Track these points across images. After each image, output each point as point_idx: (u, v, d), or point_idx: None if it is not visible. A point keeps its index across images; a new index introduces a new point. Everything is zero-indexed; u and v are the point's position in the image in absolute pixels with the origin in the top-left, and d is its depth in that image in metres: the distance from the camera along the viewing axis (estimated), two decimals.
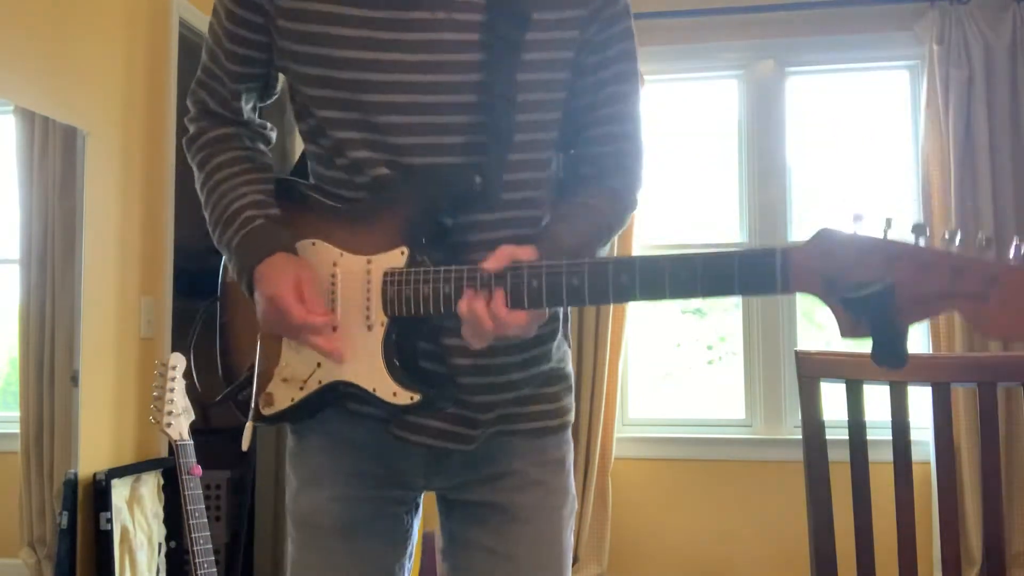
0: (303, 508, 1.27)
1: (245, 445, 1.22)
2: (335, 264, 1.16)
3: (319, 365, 1.17)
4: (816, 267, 0.94)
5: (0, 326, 2.47)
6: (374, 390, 1.13)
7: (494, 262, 1.06)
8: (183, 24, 3.08)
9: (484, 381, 1.18)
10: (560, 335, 1.27)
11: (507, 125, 1.13)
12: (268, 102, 1.34)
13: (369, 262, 1.14)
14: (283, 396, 1.20)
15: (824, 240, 0.94)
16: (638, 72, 1.26)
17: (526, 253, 1.07)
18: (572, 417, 1.30)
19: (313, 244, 1.19)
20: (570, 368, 1.31)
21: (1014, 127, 3.44)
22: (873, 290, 0.91)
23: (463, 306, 1.06)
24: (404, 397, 1.11)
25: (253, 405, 1.22)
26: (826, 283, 0.94)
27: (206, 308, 1.38)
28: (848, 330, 0.95)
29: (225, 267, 1.34)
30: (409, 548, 1.31)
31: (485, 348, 1.14)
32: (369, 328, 1.13)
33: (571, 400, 1.30)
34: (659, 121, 3.80)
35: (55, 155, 2.55)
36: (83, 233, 2.57)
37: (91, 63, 2.63)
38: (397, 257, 1.12)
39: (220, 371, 1.31)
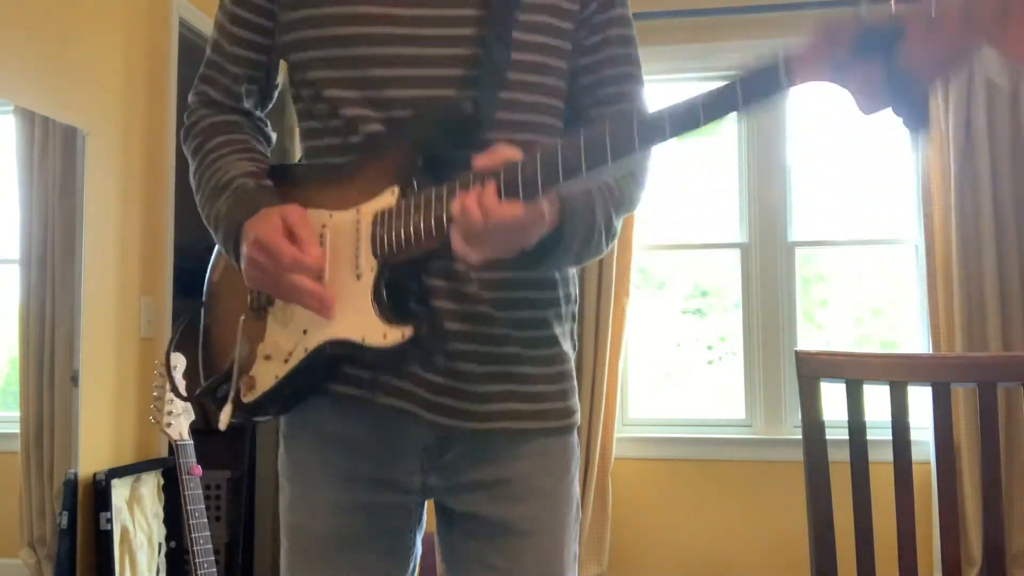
0: (298, 516, 1.22)
1: (223, 425, 1.16)
2: (324, 225, 1.12)
3: (305, 332, 1.11)
4: (821, 52, 0.89)
5: (0, 326, 2.47)
6: (363, 339, 1.06)
7: (486, 159, 1.00)
8: (183, 24, 3.08)
9: (474, 349, 1.14)
10: (568, 326, 1.25)
11: (500, 75, 1.12)
12: (268, 106, 1.32)
13: (358, 211, 1.10)
14: (266, 375, 1.14)
15: (824, 27, 0.90)
16: (637, 59, 1.25)
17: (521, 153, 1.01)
18: (578, 419, 1.25)
19: None
20: (573, 367, 1.27)
21: (1014, 127, 3.44)
22: (884, 38, 0.86)
23: (454, 205, 0.99)
24: (395, 335, 1.04)
25: (232, 392, 1.16)
26: (834, 64, 0.89)
27: (190, 311, 1.33)
28: (867, 104, 0.89)
29: (213, 267, 1.31)
30: (412, 564, 1.26)
31: (480, 313, 1.11)
32: (358, 277, 1.08)
33: (576, 402, 1.25)
34: None
35: (55, 155, 2.55)
36: (83, 233, 2.57)
37: (91, 63, 2.63)
38: (388, 198, 1.08)
39: (201, 371, 1.26)
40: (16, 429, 2.44)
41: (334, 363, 1.13)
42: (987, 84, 3.43)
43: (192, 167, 1.25)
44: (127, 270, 2.79)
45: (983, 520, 1.59)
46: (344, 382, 1.15)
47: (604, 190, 1.14)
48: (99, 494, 2.54)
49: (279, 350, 1.13)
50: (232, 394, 1.16)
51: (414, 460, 1.19)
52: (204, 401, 1.23)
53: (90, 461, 2.57)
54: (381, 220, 1.08)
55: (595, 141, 0.96)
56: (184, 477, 2.33)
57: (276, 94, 1.33)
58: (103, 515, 2.53)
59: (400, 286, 1.09)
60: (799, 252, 3.76)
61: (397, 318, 1.06)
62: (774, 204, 3.74)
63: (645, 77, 1.26)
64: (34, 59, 2.41)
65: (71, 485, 2.50)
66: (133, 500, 2.69)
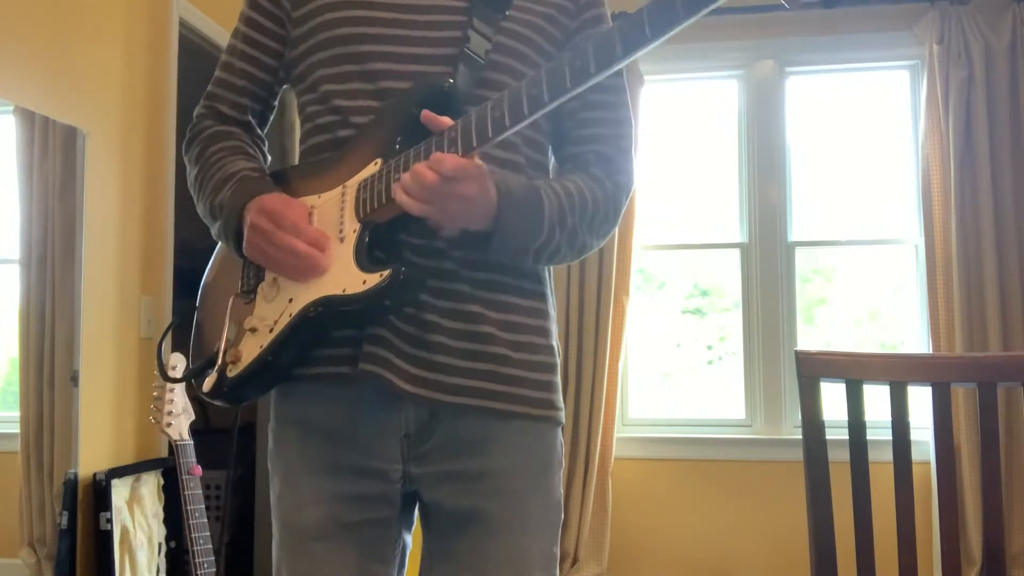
0: (285, 509, 1.24)
1: (207, 387, 1.21)
2: (312, 207, 1.20)
3: (291, 301, 1.17)
4: None
5: (0, 326, 2.47)
6: (344, 290, 1.12)
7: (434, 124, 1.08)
8: (183, 24, 3.08)
9: (447, 323, 1.17)
10: (553, 326, 1.26)
11: (479, 55, 1.19)
12: (264, 129, 1.40)
13: (344, 186, 1.18)
14: (251, 347, 1.18)
15: None
16: (622, 76, 1.28)
17: None
18: (562, 417, 1.26)
19: None
20: (558, 366, 1.28)
21: (1014, 127, 3.44)
22: None
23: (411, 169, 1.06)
24: (374, 279, 1.10)
25: (219, 361, 1.20)
26: None
27: (183, 309, 1.39)
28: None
29: (208, 270, 1.36)
30: (398, 557, 1.26)
31: (455, 291, 1.16)
32: (342, 240, 1.15)
33: (560, 398, 1.26)
34: (659, 121, 3.81)
35: (55, 155, 2.55)
36: (83, 233, 2.57)
37: (91, 63, 2.63)
38: (371, 168, 1.15)
39: (190, 362, 1.31)
40: (16, 429, 2.44)
41: (318, 331, 1.17)
42: (986, 80, 3.43)
43: (193, 171, 1.32)
44: (127, 270, 2.79)
45: (983, 520, 1.59)
46: (326, 363, 1.19)
47: (560, 194, 1.18)
48: (99, 494, 2.54)
49: (265, 320, 1.18)
50: (219, 363, 1.20)
51: (395, 448, 1.20)
52: (193, 383, 1.26)
53: (90, 461, 2.57)
54: (365, 186, 1.15)
55: (555, 73, 1.02)
56: (184, 477, 2.34)
57: (271, 119, 1.41)
58: (103, 515, 2.53)
59: (381, 248, 1.14)
60: (799, 252, 3.76)
61: (375, 264, 1.12)
62: (774, 204, 3.74)
63: (647, 78, 1.28)
64: (34, 59, 2.41)
65: (71, 485, 2.50)
66: (133, 500, 2.69)
